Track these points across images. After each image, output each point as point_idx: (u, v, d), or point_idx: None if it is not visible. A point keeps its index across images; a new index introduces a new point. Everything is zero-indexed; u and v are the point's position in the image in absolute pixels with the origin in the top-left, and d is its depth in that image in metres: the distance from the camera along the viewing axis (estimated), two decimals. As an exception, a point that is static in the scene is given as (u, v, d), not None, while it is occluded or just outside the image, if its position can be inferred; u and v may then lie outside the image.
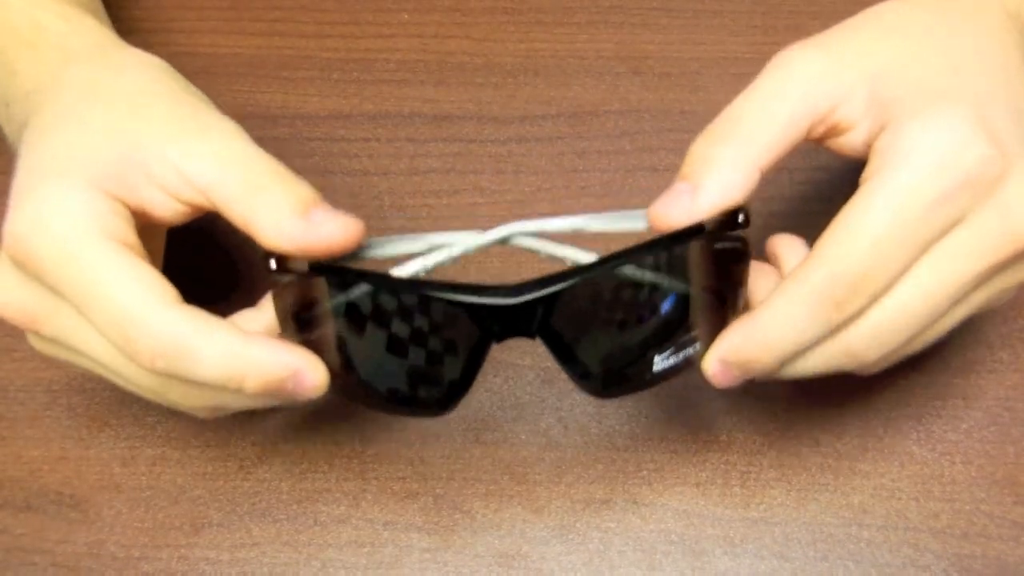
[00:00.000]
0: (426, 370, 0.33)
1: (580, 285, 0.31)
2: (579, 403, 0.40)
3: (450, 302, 0.31)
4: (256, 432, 0.42)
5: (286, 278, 0.33)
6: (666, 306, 0.33)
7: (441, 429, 0.42)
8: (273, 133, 0.48)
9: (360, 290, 0.31)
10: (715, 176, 0.33)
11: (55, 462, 0.42)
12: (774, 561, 0.40)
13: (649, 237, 0.33)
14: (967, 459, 0.41)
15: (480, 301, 0.31)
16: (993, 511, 0.40)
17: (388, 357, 0.33)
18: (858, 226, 0.31)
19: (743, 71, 0.49)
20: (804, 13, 0.50)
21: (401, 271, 0.34)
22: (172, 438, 0.42)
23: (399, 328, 0.32)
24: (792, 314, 0.32)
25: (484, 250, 0.35)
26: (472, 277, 0.44)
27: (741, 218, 0.33)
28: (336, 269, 0.33)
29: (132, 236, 0.34)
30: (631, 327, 0.33)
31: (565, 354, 0.34)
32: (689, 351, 0.34)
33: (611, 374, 0.35)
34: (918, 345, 0.34)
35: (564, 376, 0.38)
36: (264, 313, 0.35)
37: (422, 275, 0.34)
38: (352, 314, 0.32)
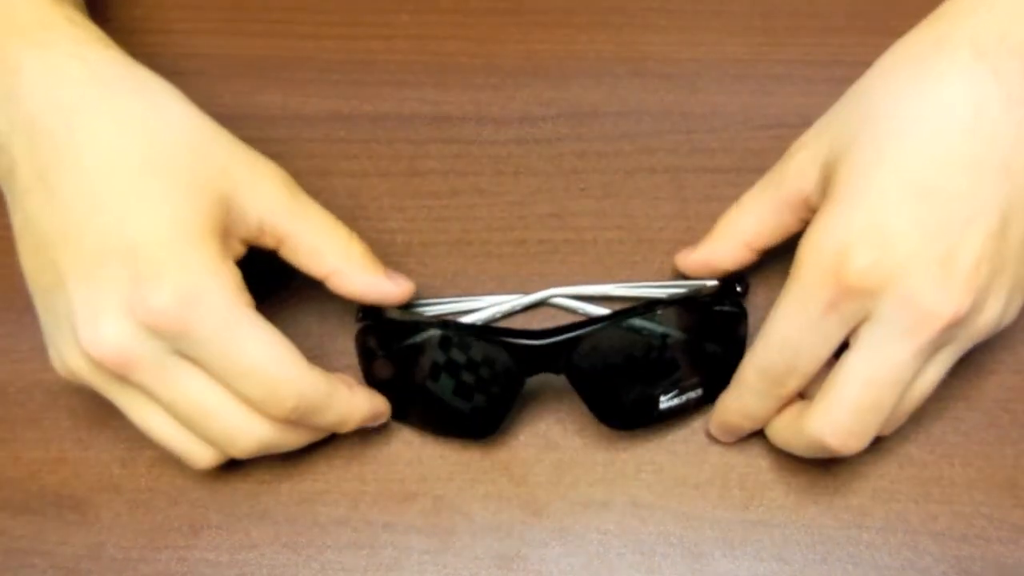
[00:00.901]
0: (472, 398, 0.40)
1: (595, 333, 0.38)
2: (579, 406, 0.40)
3: (495, 341, 0.39)
4: (255, 434, 0.42)
5: (367, 323, 0.42)
6: (669, 355, 0.40)
7: (440, 431, 0.42)
8: (273, 134, 0.48)
9: (429, 333, 0.39)
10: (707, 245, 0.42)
11: (54, 464, 0.42)
12: (773, 563, 0.40)
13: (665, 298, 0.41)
14: (966, 461, 0.41)
15: (516, 342, 0.38)
16: (992, 513, 0.40)
17: (445, 388, 0.40)
18: (771, 328, 0.37)
19: (742, 72, 0.49)
20: (803, 14, 0.50)
21: (464, 320, 0.44)
22: (171, 439, 0.42)
23: (456, 363, 0.39)
24: (745, 397, 0.39)
25: (527, 308, 0.44)
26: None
27: (740, 288, 0.43)
28: (410, 317, 0.42)
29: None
30: (640, 371, 0.40)
31: (584, 389, 0.39)
32: (691, 395, 0.41)
33: (624, 409, 0.40)
34: (894, 423, 0.38)
35: (564, 380, 0.39)
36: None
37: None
38: (421, 351, 0.40)
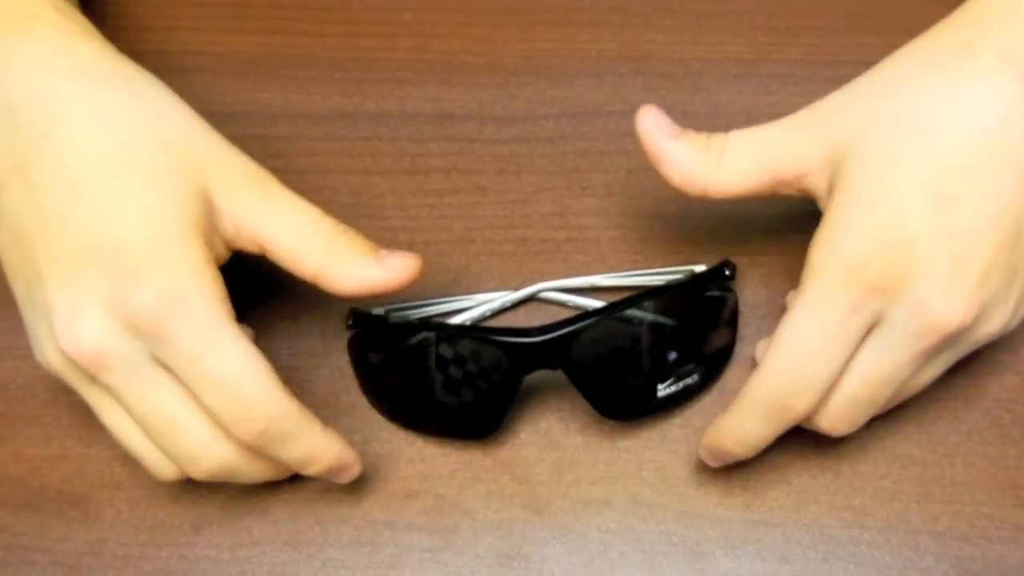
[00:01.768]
0: (471, 398, 0.40)
1: (589, 327, 0.38)
2: (580, 403, 0.40)
3: (490, 341, 0.38)
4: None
5: (358, 330, 0.42)
6: (664, 344, 0.40)
7: (442, 429, 0.42)
8: (275, 132, 0.48)
9: (422, 336, 0.39)
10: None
11: (55, 460, 0.42)
12: (775, 563, 0.40)
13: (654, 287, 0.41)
14: (968, 461, 0.41)
15: (512, 340, 0.38)
16: (994, 513, 0.40)
17: (442, 390, 0.40)
18: (784, 340, 0.36)
19: (745, 72, 0.49)
20: (806, 14, 0.50)
21: (455, 319, 0.43)
22: (173, 437, 0.42)
23: (452, 365, 0.39)
24: (746, 420, 0.37)
25: (516, 304, 0.44)
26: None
27: (727, 271, 0.42)
28: (401, 321, 0.42)
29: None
30: (636, 360, 0.40)
31: (582, 383, 0.39)
32: (688, 381, 0.41)
33: (622, 400, 0.41)
34: (882, 411, 0.38)
35: (564, 377, 0.39)
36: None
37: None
38: (416, 354, 0.39)
